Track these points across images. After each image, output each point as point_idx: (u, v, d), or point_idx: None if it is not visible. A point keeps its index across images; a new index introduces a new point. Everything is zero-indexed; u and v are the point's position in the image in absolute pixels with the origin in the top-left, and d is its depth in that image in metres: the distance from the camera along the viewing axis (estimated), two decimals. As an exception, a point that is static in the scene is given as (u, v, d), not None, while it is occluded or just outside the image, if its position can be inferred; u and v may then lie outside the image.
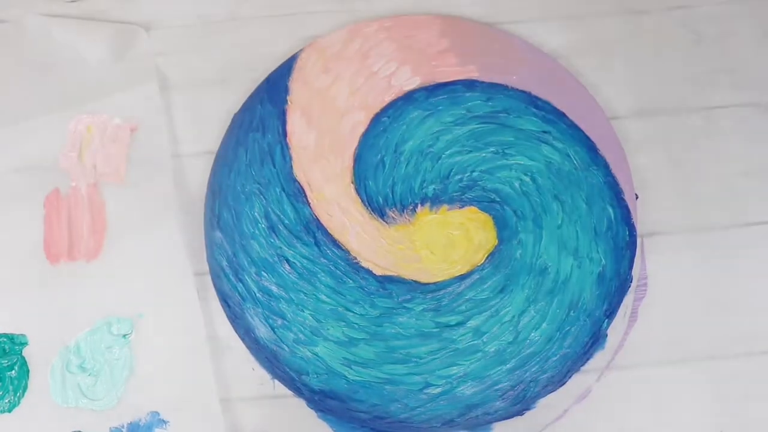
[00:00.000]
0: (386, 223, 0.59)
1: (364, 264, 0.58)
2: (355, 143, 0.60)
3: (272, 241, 0.58)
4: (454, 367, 0.56)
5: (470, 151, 0.60)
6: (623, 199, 0.59)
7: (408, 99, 0.61)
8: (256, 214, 0.59)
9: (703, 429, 0.56)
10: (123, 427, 0.55)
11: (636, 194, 0.59)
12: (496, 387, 0.55)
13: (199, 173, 0.61)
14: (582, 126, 0.60)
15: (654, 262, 0.59)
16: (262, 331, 0.57)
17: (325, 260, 0.58)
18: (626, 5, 0.64)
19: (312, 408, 0.56)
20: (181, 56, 0.63)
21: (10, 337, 0.57)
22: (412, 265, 0.58)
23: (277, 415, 0.56)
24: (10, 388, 0.56)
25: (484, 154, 0.59)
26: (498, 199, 0.59)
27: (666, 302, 0.58)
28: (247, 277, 0.57)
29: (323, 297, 0.57)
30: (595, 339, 0.57)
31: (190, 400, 0.55)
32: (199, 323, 0.57)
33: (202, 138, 0.61)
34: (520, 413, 0.56)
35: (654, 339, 0.57)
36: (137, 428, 0.55)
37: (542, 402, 0.56)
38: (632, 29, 0.64)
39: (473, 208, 0.59)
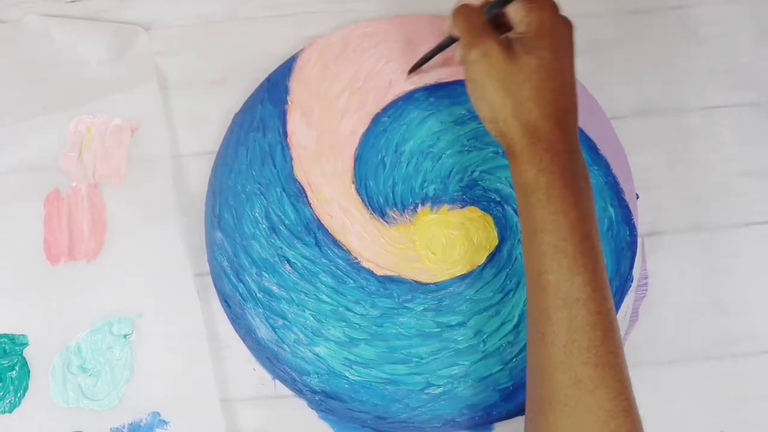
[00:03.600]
0: (387, 223, 0.59)
1: (364, 264, 0.57)
2: (355, 143, 0.60)
3: (273, 241, 0.58)
4: (455, 367, 0.56)
5: (471, 151, 0.60)
6: (624, 199, 0.59)
7: (408, 99, 0.61)
8: (256, 214, 0.59)
9: (703, 429, 0.56)
10: (124, 427, 0.55)
11: (636, 194, 0.59)
12: (498, 387, 0.55)
13: (199, 173, 0.61)
14: (582, 126, 0.60)
15: (655, 262, 0.59)
16: (262, 331, 0.56)
17: (325, 260, 0.58)
18: (626, 5, 0.64)
19: (313, 408, 0.56)
20: (181, 56, 0.63)
21: (11, 338, 0.57)
22: (413, 265, 0.58)
23: (278, 416, 0.56)
24: (11, 388, 0.56)
25: (484, 154, 0.59)
26: (499, 199, 0.59)
27: (666, 302, 0.58)
28: (247, 278, 0.57)
29: (324, 297, 0.57)
30: (596, 339, 0.57)
31: (191, 401, 0.55)
32: (200, 323, 0.57)
33: (202, 138, 0.61)
34: (521, 413, 0.56)
35: (655, 339, 0.57)
36: (138, 428, 0.55)
37: (543, 402, 0.56)
38: (632, 29, 0.64)
39: (474, 208, 0.59)
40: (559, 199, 0.46)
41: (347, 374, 0.56)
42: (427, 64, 0.60)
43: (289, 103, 0.61)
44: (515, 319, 0.56)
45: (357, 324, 0.56)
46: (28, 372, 0.56)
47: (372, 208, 0.59)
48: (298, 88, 0.61)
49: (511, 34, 0.50)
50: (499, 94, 0.48)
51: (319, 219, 0.58)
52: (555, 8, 0.50)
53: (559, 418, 0.44)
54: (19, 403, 0.56)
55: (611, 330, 0.45)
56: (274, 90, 0.61)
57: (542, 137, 0.47)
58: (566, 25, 0.50)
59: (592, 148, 0.60)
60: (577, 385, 0.44)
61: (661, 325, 0.58)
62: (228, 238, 0.58)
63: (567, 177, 0.47)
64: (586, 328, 0.45)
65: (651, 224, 0.60)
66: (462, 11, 0.51)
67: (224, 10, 0.64)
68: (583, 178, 0.48)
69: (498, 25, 0.51)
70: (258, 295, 0.57)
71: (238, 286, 0.57)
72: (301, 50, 0.62)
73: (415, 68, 0.60)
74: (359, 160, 0.60)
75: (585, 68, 0.62)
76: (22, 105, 0.61)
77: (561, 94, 0.48)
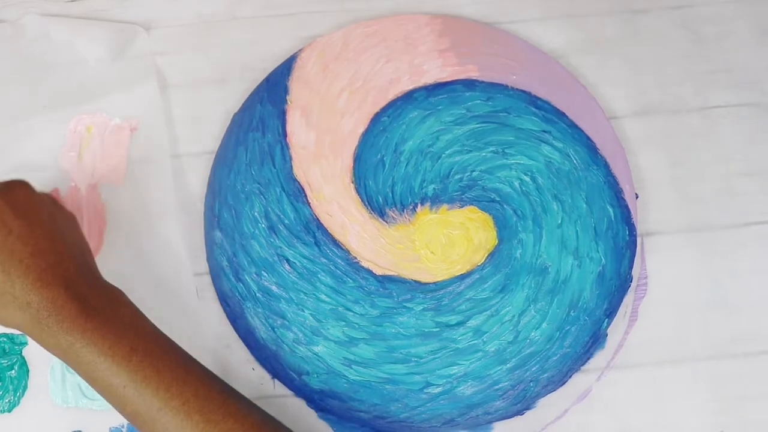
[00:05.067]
0: (386, 222, 0.59)
1: (364, 264, 0.58)
2: (354, 143, 0.60)
3: (272, 240, 0.58)
4: (455, 367, 0.56)
5: (470, 151, 0.60)
6: (623, 199, 0.59)
7: (408, 99, 0.61)
8: (256, 213, 0.59)
9: (703, 429, 0.56)
10: (123, 427, 0.55)
11: (636, 194, 0.59)
12: (497, 386, 0.55)
13: (199, 173, 0.61)
14: (582, 126, 0.60)
15: (654, 261, 0.59)
16: (262, 330, 0.57)
17: (325, 260, 0.58)
18: (626, 5, 0.64)
19: (312, 408, 0.56)
20: (181, 56, 0.63)
21: (10, 337, 0.57)
22: (412, 265, 0.58)
23: (277, 415, 0.56)
24: (10, 387, 0.56)
25: (484, 154, 0.59)
26: (498, 199, 0.59)
27: (666, 302, 0.58)
28: (247, 277, 0.57)
29: (323, 297, 0.57)
30: (595, 339, 0.57)
31: (190, 400, 0.55)
32: (199, 323, 0.57)
33: (202, 138, 0.61)
34: (520, 413, 0.56)
35: (654, 339, 0.57)
36: (137, 428, 0.55)
37: (542, 401, 0.56)
38: (632, 29, 0.64)
39: (473, 208, 0.59)
40: (94, 345, 0.46)
41: (346, 374, 0.56)
42: (426, 63, 0.60)
43: (289, 102, 0.61)
44: (514, 319, 0.56)
45: (356, 323, 0.56)
46: (28, 371, 0.56)
47: (371, 207, 0.59)
48: (297, 87, 0.61)
49: None
50: None
51: (318, 219, 0.58)
52: None
53: None
54: (18, 402, 0.56)
55: (210, 400, 0.47)
56: (274, 90, 0.61)
57: (41, 306, 0.46)
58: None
59: (592, 148, 0.60)
60: None
61: (661, 325, 0.58)
62: (227, 237, 0.58)
63: (80, 321, 0.47)
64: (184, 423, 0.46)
65: (650, 224, 0.60)
66: None
67: (224, 10, 0.64)
68: (108, 303, 0.48)
69: None
70: (257, 294, 0.57)
71: (237, 285, 0.57)
72: (300, 50, 0.62)
73: None
74: (358, 159, 0.60)
75: (585, 68, 0.63)
76: (22, 105, 0.61)
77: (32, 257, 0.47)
